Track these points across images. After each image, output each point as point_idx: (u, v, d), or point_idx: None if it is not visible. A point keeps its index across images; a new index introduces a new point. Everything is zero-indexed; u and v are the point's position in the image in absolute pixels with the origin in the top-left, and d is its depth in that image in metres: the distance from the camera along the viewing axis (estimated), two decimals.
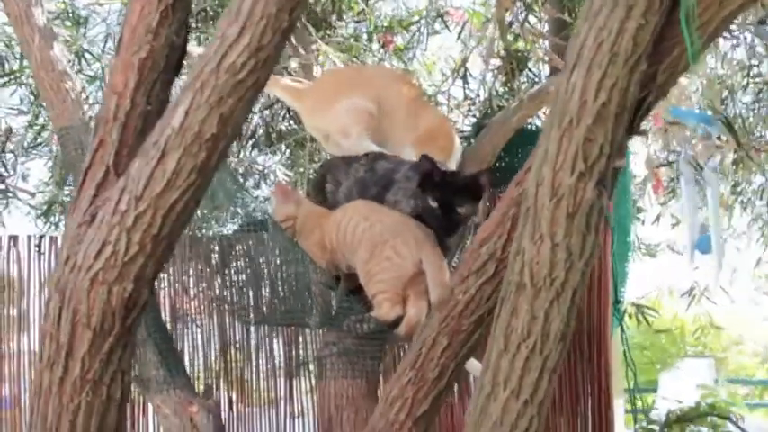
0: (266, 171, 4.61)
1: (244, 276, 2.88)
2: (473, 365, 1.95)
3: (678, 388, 7.11)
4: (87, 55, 3.77)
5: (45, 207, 4.15)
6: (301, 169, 4.34)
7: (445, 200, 2.36)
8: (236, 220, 3.24)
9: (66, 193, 4.15)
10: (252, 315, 2.82)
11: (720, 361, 11.27)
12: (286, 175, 4.58)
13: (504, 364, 1.52)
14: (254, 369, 2.99)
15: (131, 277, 1.47)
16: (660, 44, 1.50)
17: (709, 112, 3.69)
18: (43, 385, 1.50)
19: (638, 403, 3.28)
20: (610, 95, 1.45)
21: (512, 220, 1.70)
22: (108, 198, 1.52)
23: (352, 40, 3.84)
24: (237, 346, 2.96)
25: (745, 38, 3.85)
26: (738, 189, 4.54)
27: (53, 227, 4.37)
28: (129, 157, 1.56)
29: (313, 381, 3.03)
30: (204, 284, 2.98)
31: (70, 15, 3.66)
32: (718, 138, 3.45)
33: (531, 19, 3.68)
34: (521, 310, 1.50)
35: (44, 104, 3.81)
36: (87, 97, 3.62)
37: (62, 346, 1.48)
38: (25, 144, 4.18)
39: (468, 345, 1.76)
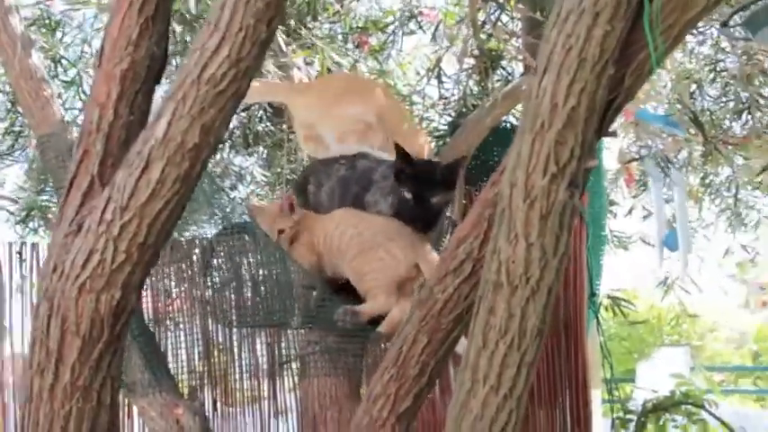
0: (243, 172, 4.63)
1: (225, 278, 2.91)
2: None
3: (655, 377, 7.22)
4: (63, 60, 3.76)
5: (24, 213, 4.14)
6: (278, 170, 4.37)
7: (419, 191, 2.41)
8: (212, 221, 3.26)
9: (45, 199, 4.15)
10: (234, 317, 2.85)
11: (696, 349, 11.41)
12: (263, 175, 4.60)
13: (482, 361, 1.57)
14: (236, 369, 3.02)
15: (119, 285, 1.51)
16: (627, 48, 1.55)
17: (678, 106, 3.77)
18: (34, 392, 1.54)
19: (616, 393, 3.35)
20: (579, 99, 1.50)
21: (488, 220, 1.74)
22: (94, 207, 1.55)
23: (327, 40, 3.86)
24: (221, 347, 2.98)
25: (711, 33, 3.93)
26: (707, 181, 4.62)
27: (32, 232, 4.37)
28: (114, 167, 1.60)
29: (295, 379, 3.06)
30: (186, 287, 3.00)
31: (46, 22, 3.65)
32: (688, 130, 3.52)
33: (504, 18, 3.72)
34: (498, 308, 1.55)
35: (21, 111, 3.82)
36: (64, 102, 3.65)
37: (52, 353, 1.52)
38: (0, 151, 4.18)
39: (447, 342, 1.81)
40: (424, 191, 2.41)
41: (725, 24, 1.96)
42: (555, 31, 1.52)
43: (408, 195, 2.42)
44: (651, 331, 10.51)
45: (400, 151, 2.41)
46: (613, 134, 1.73)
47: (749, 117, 4.31)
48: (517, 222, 1.54)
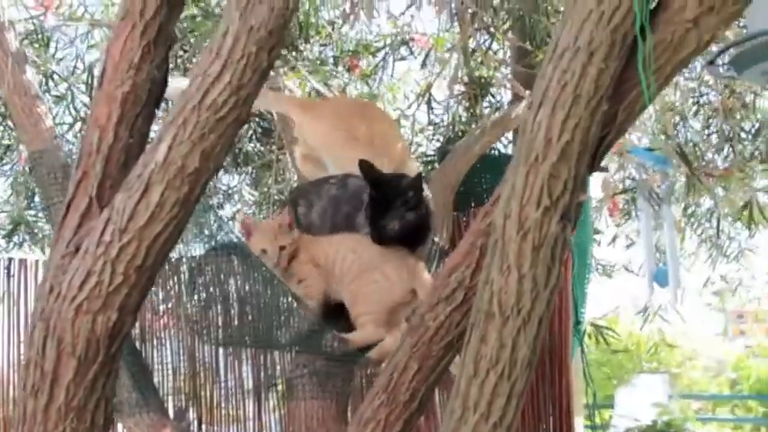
0: (230, 191, 4.65)
1: (213, 297, 2.91)
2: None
3: (634, 404, 7.25)
4: (55, 75, 3.77)
5: (10, 227, 4.14)
6: (266, 189, 4.39)
7: (379, 206, 2.40)
8: (199, 239, 3.26)
9: (32, 214, 4.15)
10: (220, 336, 2.85)
11: (675, 376, 11.46)
12: (251, 194, 4.62)
13: (473, 390, 1.59)
14: (222, 389, 3.02)
15: (116, 307, 1.52)
16: (620, 86, 1.59)
17: (662, 137, 3.82)
18: (27, 413, 1.54)
19: (591, 419, 3.38)
20: (573, 134, 1.53)
21: (479, 249, 1.77)
22: (92, 229, 1.56)
23: (318, 63, 3.89)
24: (206, 366, 2.99)
25: (695, 68, 4.00)
26: (689, 212, 4.68)
27: (16, 247, 4.36)
28: (113, 189, 1.61)
29: (280, 401, 3.07)
30: (172, 305, 3.00)
31: (38, 37, 3.67)
32: (672, 162, 3.57)
33: (494, 46, 3.77)
34: (490, 337, 1.57)
35: (10, 125, 3.83)
36: (54, 117, 3.65)
37: (47, 373, 1.52)
38: None
39: (438, 369, 1.83)
40: (384, 206, 2.39)
41: (711, 63, 2.00)
42: (550, 67, 1.55)
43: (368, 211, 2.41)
44: (630, 358, 10.54)
45: (365, 167, 2.39)
46: (605, 169, 1.76)
47: (731, 150, 4.39)
48: (510, 253, 1.56)
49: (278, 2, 1.55)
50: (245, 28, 1.54)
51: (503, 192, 1.61)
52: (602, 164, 1.90)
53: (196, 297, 2.92)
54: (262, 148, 4.12)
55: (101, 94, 1.65)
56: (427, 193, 2.51)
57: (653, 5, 1.56)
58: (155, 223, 1.52)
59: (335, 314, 2.51)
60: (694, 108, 4.32)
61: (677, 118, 4.36)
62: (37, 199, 4.20)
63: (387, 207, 2.39)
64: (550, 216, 1.55)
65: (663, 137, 3.83)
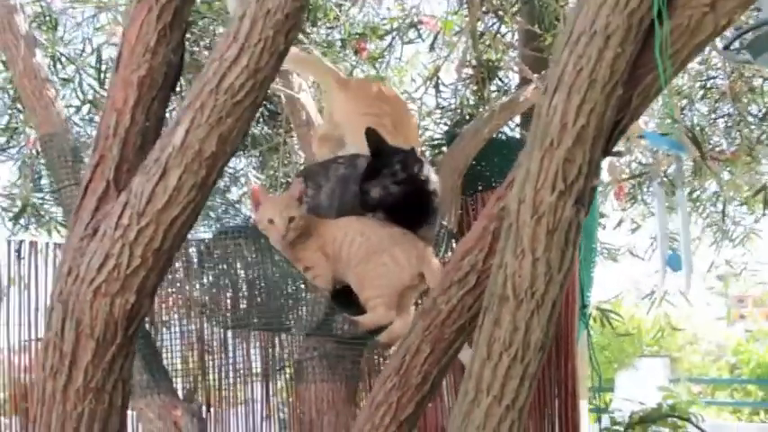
0: (237, 174, 4.65)
1: (221, 280, 2.92)
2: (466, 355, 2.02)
3: (635, 387, 7.28)
4: (62, 58, 3.77)
5: (17, 210, 4.15)
6: (272, 172, 4.39)
7: (370, 174, 2.37)
8: (205, 222, 3.27)
9: (39, 197, 4.16)
10: (229, 319, 2.86)
11: (675, 360, 11.51)
12: (257, 177, 4.62)
13: (486, 372, 1.60)
14: (230, 371, 3.04)
15: (133, 289, 1.53)
16: (635, 71, 1.59)
17: (668, 121, 3.82)
18: (46, 394, 1.55)
19: (595, 402, 3.40)
20: (588, 119, 1.53)
21: (492, 234, 1.78)
22: (109, 212, 1.57)
23: (325, 46, 3.89)
24: (215, 348, 3.01)
25: (702, 51, 3.98)
26: (694, 196, 4.68)
27: (23, 229, 4.37)
28: (129, 172, 1.62)
29: (286, 383, 3.09)
30: (180, 288, 3.02)
31: (46, 19, 3.66)
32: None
33: (502, 29, 3.76)
34: (503, 320, 1.58)
35: (19, 108, 3.83)
36: (62, 100, 3.65)
37: (66, 355, 1.53)
38: None
39: (450, 352, 1.84)
40: (374, 174, 2.34)
41: (727, 47, 2.00)
42: (566, 52, 1.55)
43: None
44: (631, 342, 10.58)
45: (371, 133, 2.36)
46: (619, 153, 1.76)
47: (738, 133, 4.39)
48: (524, 237, 1.57)
49: None
50: (263, 11, 1.54)
51: (517, 176, 1.61)
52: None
53: (205, 280, 2.93)
54: (269, 131, 4.12)
55: (117, 78, 1.65)
56: (433, 175, 2.49)
57: None
58: (172, 207, 1.53)
59: (344, 297, 2.52)
60: (701, 92, 4.32)
61: (684, 101, 4.35)
62: (44, 181, 4.21)
63: (375, 175, 2.35)
64: (565, 200, 1.55)
65: (669, 120, 3.83)
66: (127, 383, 1.60)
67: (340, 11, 4.01)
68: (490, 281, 1.63)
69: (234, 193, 4.65)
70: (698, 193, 4.71)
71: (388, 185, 2.35)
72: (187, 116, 1.54)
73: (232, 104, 1.54)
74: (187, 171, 1.53)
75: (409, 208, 2.42)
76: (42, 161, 3.92)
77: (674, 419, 3.07)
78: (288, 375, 3.04)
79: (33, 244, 3.16)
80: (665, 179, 2.96)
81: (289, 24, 1.57)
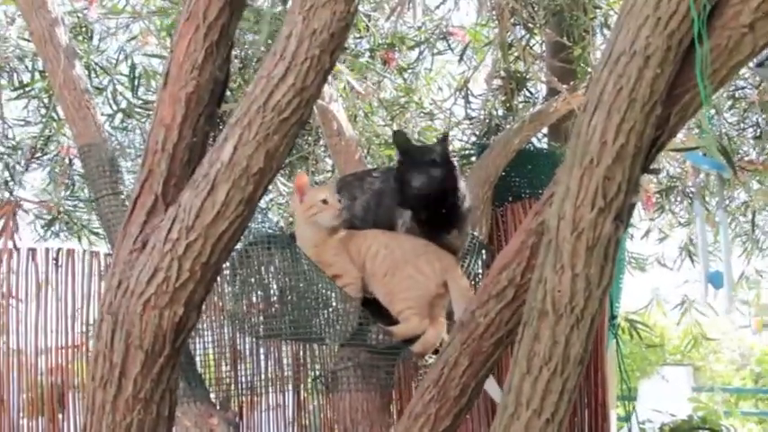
0: None
1: (253, 289, 2.94)
2: (490, 386, 2.05)
3: (659, 396, 7.25)
4: (96, 67, 3.83)
5: (49, 217, 4.21)
6: None
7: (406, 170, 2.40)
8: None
9: (71, 204, 4.23)
10: (261, 328, 2.88)
11: (698, 369, 11.44)
12: (284, 185, 4.66)
13: (526, 386, 1.63)
14: (262, 378, 3.07)
15: (182, 302, 1.57)
16: (673, 90, 1.61)
17: (704, 131, 3.82)
18: (96, 403, 1.59)
19: (623, 411, 3.40)
20: (628, 138, 1.56)
21: (530, 248, 1.80)
22: (158, 226, 1.61)
23: (354, 56, 3.93)
24: (248, 355, 3.04)
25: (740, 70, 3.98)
26: (724, 205, 4.67)
27: (54, 236, 4.44)
28: (177, 186, 1.66)
29: (316, 392, 3.11)
30: (213, 296, 3.05)
31: (83, 30, 3.72)
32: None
33: (530, 41, 3.78)
34: (543, 335, 1.61)
35: (53, 116, 3.90)
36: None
37: (115, 366, 1.57)
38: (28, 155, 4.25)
39: (488, 365, 1.87)
40: (411, 167, 2.38)
41: (761, 65, 2.02)
42: (606, 72, 1.58)
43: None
44: (654, 350, 10.53)
45: (399, 135, 2.40)
46: (656, 171, 1.78)
47: (767, 143, 4.38)
48: (564, 253, 1.59)
49: (339, 5, 1.59)
50: (309, 31, 1.58)
51: (556, 193, 1.64)
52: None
53: (237, 288, 2.95)
54: (298, 140, 4.16)
55: (165, 94, 1.69)
56: (461, 181, 2.52)
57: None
58: (220, 221, 1.56)
59: (375, 306, 2.55)
60: (730, 102, 4.31)
61: (712, 111, 4.35)
62: (77, 189, 4.28)
63: (413, 167, 2.37)
64: (604, 217, 1.58)
65: (697, 131, 3.83)
66: (174, 394, 1.63)
67: (369, 21, 4.05)
68: (529, 295, 1.66)
69: (262, 202, 4.68)
70: (727, 202, 4.70)
71: (429, 170, 2.37)
72: (235, 133, 1.58)
73: (279, 122, 1.58)
74: (235, 186, 1.57)
75: (441, 207, 2.45)
76: (76, 169, 3.99)
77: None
78: (320, 384, 3.06)
79: (70, 252, 3.22)
80: (692, 190, 2.96)
81: (334, 43, 1.60)
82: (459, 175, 2.52)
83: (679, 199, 4.43)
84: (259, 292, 2.84)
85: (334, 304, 2.56)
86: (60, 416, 3.24)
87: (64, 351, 3.18)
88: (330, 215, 2.48)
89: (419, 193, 2.40)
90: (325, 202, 2.46)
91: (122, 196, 2.78)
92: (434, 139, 4.21)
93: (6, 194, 4.13)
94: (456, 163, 2.52)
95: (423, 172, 2.38)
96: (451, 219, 2.53)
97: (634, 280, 4.84)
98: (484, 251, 2.91)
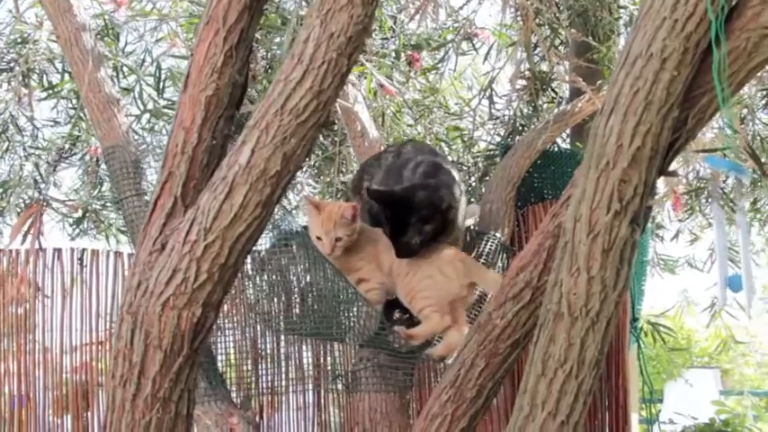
0: (293, 182, 4.70)
1: (276, 287, 2.96)
2: None
3: (685, 399, 7.18)
4: (123, 68, 3.88)
5: (78, 216, 4.28)
6: (327, 179, 4.44)
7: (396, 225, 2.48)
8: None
9: (99, 203, 4.29)
10: (282, 323, 2.89)
11: (725, 372, 11.30)
12: (311, 186, 4.68)
13: (541, 388, 1.63)
14: (283, 378, 3.09)
15: (200, 303, 1.59)
16: (690, 92, 1.61)
17: (728, 131, 3.78)
18: (116, 402, 1.62)
19: (648, 413, 3.38)
20: (644, 140, 1.55)
21: (547, 250, 1.81)
22: (177, 228, 1.63)
23: (380, 57, 3.94)
24: (269, 355, 3.06)
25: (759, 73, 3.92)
26: (757, 206, 4.60)
27: (82, 234, 4.50)
28: (196, 188, 1.68)
29: (337, 392, 3.13)
30: (235, 294, 3.07)
31: (111, 31, 3.77)
32: (740, 158, 3.53)
33: (555, 41, 3.77)
34: (558, 337, 1.61)
35: (81, 116, 3.95)
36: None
37: (135, 365, 1.60)
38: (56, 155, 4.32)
39: (504, 366, 1.87)
40: (402, 223, 2.46)
41: None
42: (622, 74, 1.58)
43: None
44: (681, 353, 10.43)
45: (372, 193, 2.48)
46: (674, 174, 1.78)
47: None
48: (579, 256, 1.59)
49: (357, 9, 1.60)
50: (326, 35, 1.60)
51: (573, 195, 1.64)
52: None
53: (260, 286, 2.97)
54: (324, 141, 4.18)
55: (185, 97, 1.72)
56: (451, 192, 2.53)
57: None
58: (238, 223, 1.59)
59: (394, 307, 2.57)
60: (764, 101, 4.25)
61: (744, 111, 4.29)
62: (104, 189, 4.34)
63: (404, 224, 2.44)
64: (620, 220, 1.57)
65: (729, 131, 3.78)
66: (192, 393, 1.66)
67: (395, 23, 4.06)
68: (545, 298, 1.66)
69: (292, 200, 4.71)
70: (759, 205, 4.64)
71: (422, 228, 2.44)
72: (253, 136, 1.60)
73: (296, 125, 1.59)
74: (252, 189, 1.59)
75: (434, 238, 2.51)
76: (104, 169, 4.05)
77: None
78: (340, 384, 3.08)
79: (95, 252, 3.27)
80: (723, 193, 2.93)
81: (351, 47, 1.62)
82: (449, 190, 2.53)
83: (710, 200, 4.37)
84: (280, 290, 2.86)
85: (354, 307, 2.57)
86: (86, 413, 3.29)
87: (89, 349, 3.23)
88: (322, 251, 2.49)
89: (415, 249, 2.47)
90: (318, 239, 2.47)
91: (146, 197, 2.82)
92: (459, 140, 4.24)
93: (36, 194, 4.19)
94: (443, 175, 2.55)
95: (415, 231, 2.44)
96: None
97: (664, 282, 4.80)
98: (506, 253, 2.92)
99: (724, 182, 3.51)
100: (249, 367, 3.01)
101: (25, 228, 3.37)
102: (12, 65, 3.88)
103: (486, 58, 3.69)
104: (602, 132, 1.59)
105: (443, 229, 2.51)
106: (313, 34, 1.61)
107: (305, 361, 3.09)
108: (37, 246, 3.25)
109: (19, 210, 4.10)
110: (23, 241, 3.33)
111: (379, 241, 2.52)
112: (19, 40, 3.87)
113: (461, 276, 2.45)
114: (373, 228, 2.57)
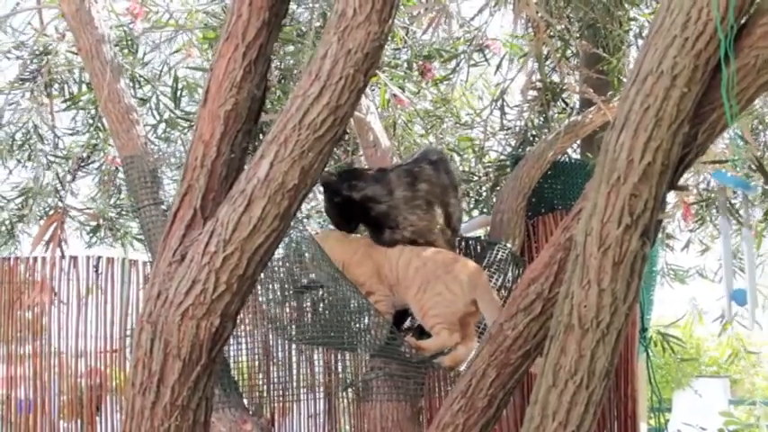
0: None
1: (287, 296, 2.99)
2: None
3: (693, 409, 7.17)
4: (140, 79, 3.93)
5: (95, 224, 4.33)
6: None
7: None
8: None
9: (116, 212, 4.34)
10: (293, 331, 2.92)
11: (735, 382, 11.27)
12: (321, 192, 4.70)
13: (552, 399, 1.66)
14: (294, 385, 3.12)
15: (218, 313, 1.63)
16: (700, 108, 1.64)
17: (740, 142, 3.78)
18: (135, 409, 1.65)
19: (657, 423, 3.40)
20: (654, 156, 1.58)
21: (558, 263, 1.84)
22: (196, 239, 1.67)
23: (391, 67, 3.97)
24: (280, 362, 3.09)
25: None
26: (748, 223, 4.58)
27: (99, 241, 4.56)
28: (215, 201, 1.72)
29: (349, 401, 3.15)
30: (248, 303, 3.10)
31: (128, 42, 3.83)
32: (750, 167, 3.54)
33: (566, 52, 3.80)
34: (569, 349, 1.64)
35: (99, 126, 4.01)
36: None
37: (154, 373, 1.63)
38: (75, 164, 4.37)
39: (515, 377, 1.90)
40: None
41: None
42: (633, 90, 1.61)
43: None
44: (690, 362, 10.40)
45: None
46: (684, 188, 1.80)
47: None
48: (590, 269, 1.62)
49: (373, 27, 1.64)
50: (343, 51, 1.63)
51: (584, 209, 1.67)
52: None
53: (278, 294, 3.00)
54: (336, 150, 4.21)
55: (204, 112, 1.75)
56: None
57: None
58: (256, 235, 1.62)
59: (403, 318, 2.61)
60: None
61: (755, 122, 4.30)
62: (122, 197, 4.39)
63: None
64: (631, 234, 1.60)
65: (740, 142, 3.79)
66: (210, 401, 1.69)
67: (407, 34, 4.09)
68: (556, 309, 1.69)
69: (302, 209, 4.74)
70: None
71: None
72: (271, 150, 1.63)
73: (314, 139, 1.63)
74: (271, 202, 1.62)
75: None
76: (121, 178, 4.10)
77: None
78: (351, 393, 3.10)
79: (110, 260, 3.31)
80: (731, 206, 2.94)
81: (368, 63, 1.65)
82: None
83: (719, 211, 4.38)
84: (293, 300, 2.89)
85: (366, 317, 2.61)
86: (98, 419, 3.33)
87: (102, 355, 3.27)
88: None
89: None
90: None
91: (163, 206, 2.86)
92: (471, 151, 4.27)
93: (57, 202, 4.25)
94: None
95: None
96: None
97: (674, 292, 4.80)
98: (516, 264, 2.94)
99: (734, 194, 3.52)
100: (262, 374, 3.04)
101: (47, 236, 3.41)
102: (35, 75, 3.94)
103: (497, 69, 3.73)
104: (612, 148, 1.61)
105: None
106: (330, 51, 1.64)
107: (316, 369, 3.12)
108: (59, 253, 3.30)
109: (40, 217, 4.15)
110: (46, 249, 3.38)
111: (375, 254, 2.58)
112: (41, 51, 3.94)
113: (467, 292, 2.48)
114: (361, 237, 2.66)
